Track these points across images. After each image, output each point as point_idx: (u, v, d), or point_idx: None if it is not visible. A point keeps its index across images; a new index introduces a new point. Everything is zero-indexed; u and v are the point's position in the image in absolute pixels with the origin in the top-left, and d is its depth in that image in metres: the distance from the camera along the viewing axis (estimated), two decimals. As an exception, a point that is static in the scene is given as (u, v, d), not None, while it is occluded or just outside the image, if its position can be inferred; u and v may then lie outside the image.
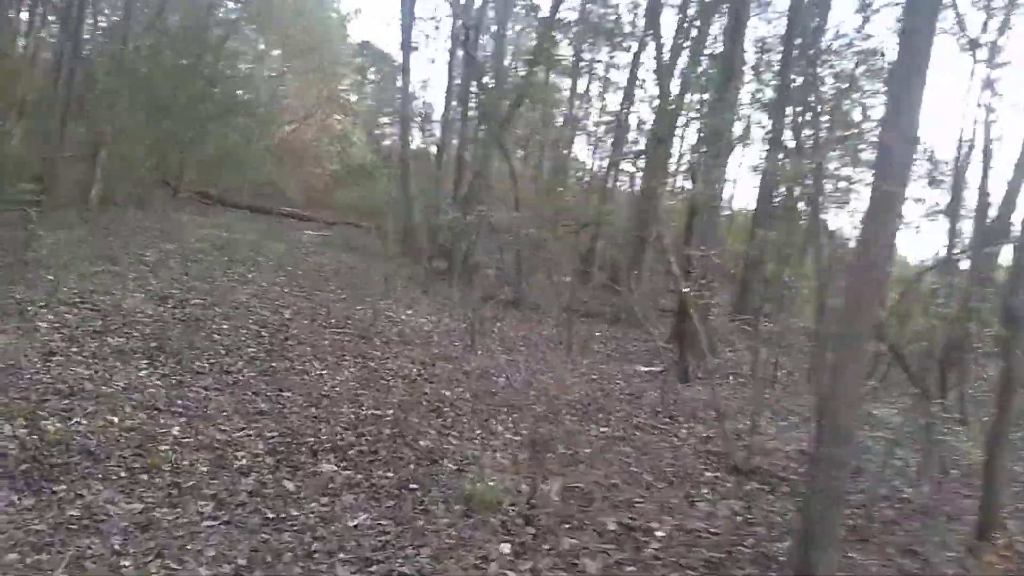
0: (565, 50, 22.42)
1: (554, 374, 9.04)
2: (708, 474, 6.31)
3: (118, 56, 19.45)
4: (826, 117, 10.81)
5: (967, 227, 13.37)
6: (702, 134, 16.80)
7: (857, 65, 11.74)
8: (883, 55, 11.19)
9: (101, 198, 19.08)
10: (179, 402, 5.68)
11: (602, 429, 7.05)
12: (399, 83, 22.31)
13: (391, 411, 6.26)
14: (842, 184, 17.69)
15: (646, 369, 11.32)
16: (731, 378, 11.67)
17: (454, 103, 25.32)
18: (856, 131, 16.33)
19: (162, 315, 8.18)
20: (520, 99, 17.39)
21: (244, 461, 4.80)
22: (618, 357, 12.06)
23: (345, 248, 20.07)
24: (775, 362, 11.54)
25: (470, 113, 19.37)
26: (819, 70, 10.44)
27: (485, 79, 14.26)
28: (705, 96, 17.41)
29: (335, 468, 4.87)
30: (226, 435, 5.18)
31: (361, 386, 6.95)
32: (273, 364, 7.10)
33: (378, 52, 41.19)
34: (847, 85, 11.61)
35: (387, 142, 43.06)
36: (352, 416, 5.98)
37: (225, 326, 8.20)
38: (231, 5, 28.58)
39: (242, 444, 5.07)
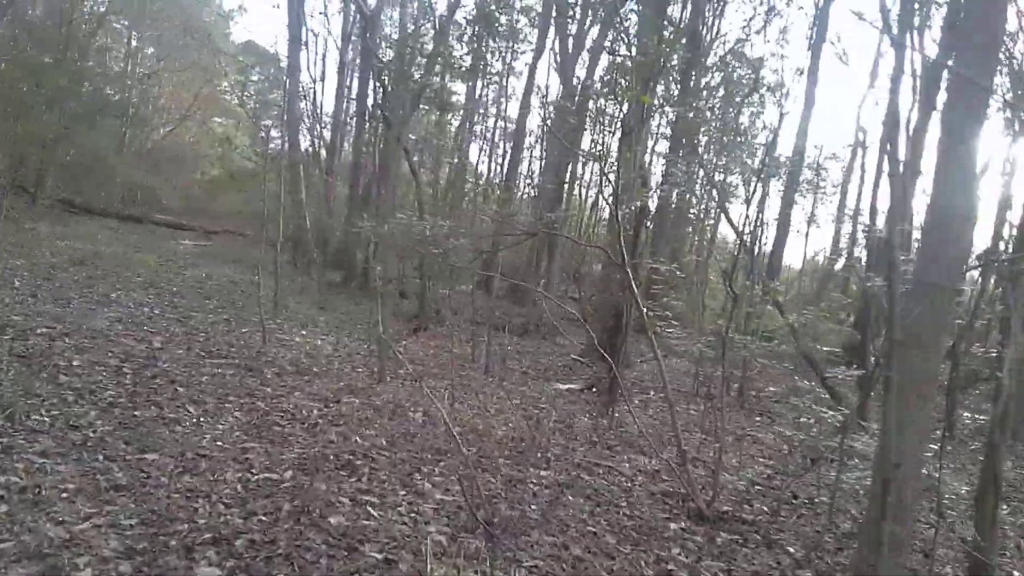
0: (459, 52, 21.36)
1: (476, 403, 7.85)
2: (672, 526, 5.29)
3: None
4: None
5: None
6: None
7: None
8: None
9: (-60, 206, 16.54)
10: (-1, 479, 4.14)
11: (542, 473, 5.91)
12: (287, 83, 20.55)
13: (289, 472, 4.88)
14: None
15: (566, 387, 10.31)
16: (651, 393, 10.84)
17: (345, 104, 23.83)
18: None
19: (-7, 351, 6.47)
20: (418, 100, 16.12)
21: (87, 573, 3.37)
22: (535, 375, 10.98)
23: (227, 259, 18.20)
24: (698, 376, 10.78)
25: (367, 114, 17.88)
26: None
27: (384, 77, 12.86)
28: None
29: (218, 573, 3.51)
30: (64, 529, 3.71)
31: (249, 436, 5.52)
32: (136, 413, 5.56)
33: (263, 52, 38.89)
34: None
35: (272, 145, 40.74)
36: (239, 484, 4.57)
37: (77, 362, 6.56)
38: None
39: (87, 543, 3.61)
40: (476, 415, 7.22)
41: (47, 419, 5.14)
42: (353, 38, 21.15)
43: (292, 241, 20.34)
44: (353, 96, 21.91)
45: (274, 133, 40.22)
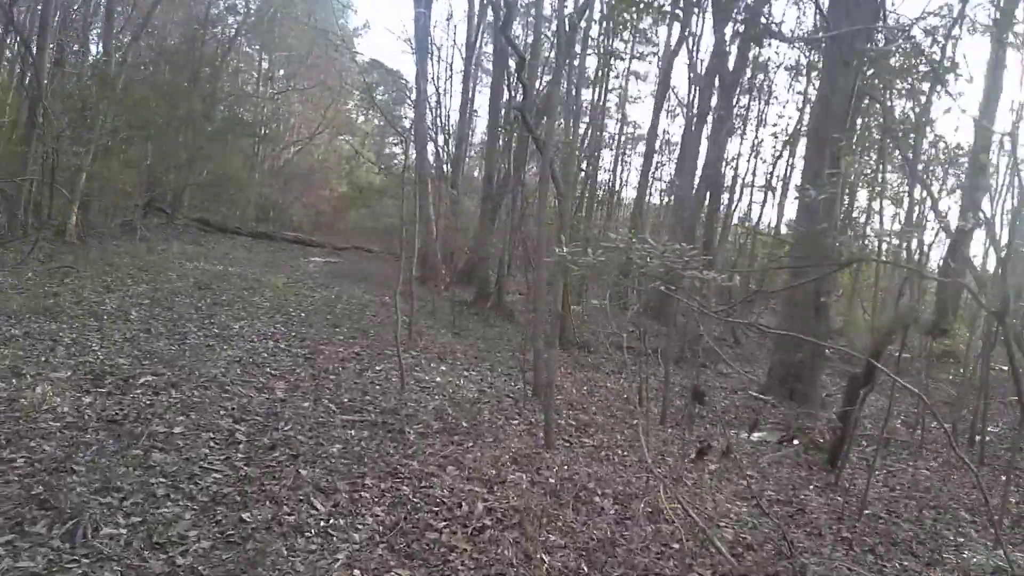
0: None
1: (668, 473, 5.89)
2: None
3: (99, 69, 16.36)
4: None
5: None
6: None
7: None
8: None
9: (80, 229, 16.04)
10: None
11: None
12: (412, 98, 19.27)
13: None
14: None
15: (756, 437, 8.16)
16: (864, 444, 8.51)
17: (469, 115, 22.41)
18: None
19: (81, 415, 5.01)
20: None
21: None
22: (711, 418, 8.89)
23: (356, 278, 16.91)
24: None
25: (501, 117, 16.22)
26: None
27: (523, 74, 11.10)
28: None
29: None
30: None
31: (396, 555, 3.78)
32: (246, 515, 3.94)
33: (387, 69, 38.30)
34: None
35: (395, 162, 40.21)
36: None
37: (179, 428, 5.04)
38: (230, 20, 25.41)
39: None
40: (687, 499, 5.26)
41: (123, 531, 3.56)
42: (483, 45, 19.65)
43: (420, 257, 19.01)
44: (475, 108, 20.43)
45: (397, 149, 39.62)
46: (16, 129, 16.13)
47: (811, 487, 6.26)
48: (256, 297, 11.48)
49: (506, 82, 15.23)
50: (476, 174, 33.52)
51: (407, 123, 42.58)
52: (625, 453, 6.33)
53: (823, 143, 9.89)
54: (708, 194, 16.53)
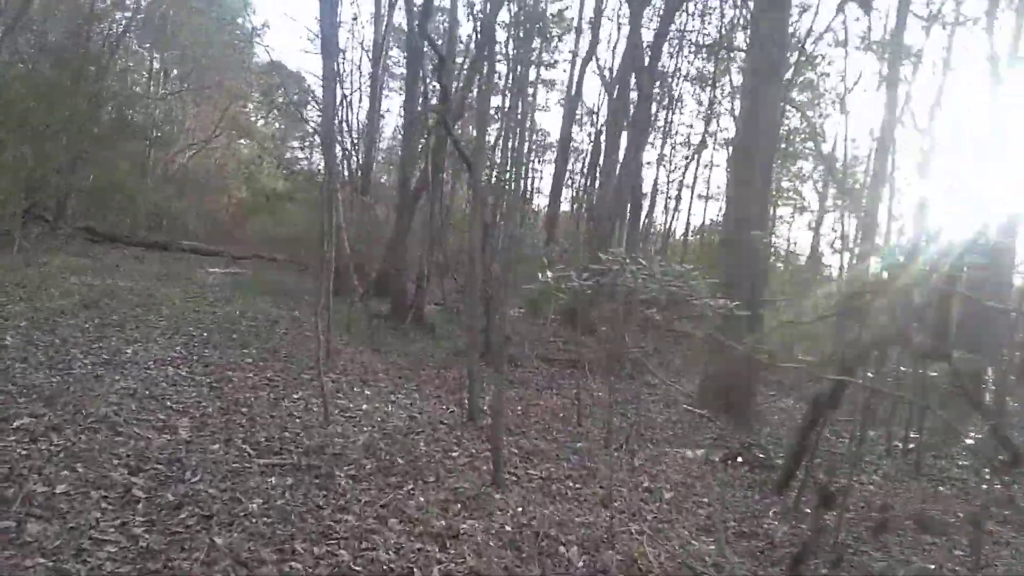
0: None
1: (625, 507, 5.35)
2: None
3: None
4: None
5: None
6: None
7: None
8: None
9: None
10: None
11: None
12: (319, 99, 18.18)
13: None
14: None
15: (699, 454, 7.77)
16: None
17: (377, 120, 21.48)
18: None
19: (-70, 478, 4.04)
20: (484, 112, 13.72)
21: None
22: (649, 435, 8.45)
23: (262, 289, 15.75)
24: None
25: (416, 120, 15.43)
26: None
27: (440, 75, 10.42)
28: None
29: None
30: None
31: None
32: (147, 607, 3.13)
33: (287, 71, 36.73)
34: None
35: (298, 166, 38.52)
36: None
37: (63, 486, 4.11)
38: (118, 16, 23.50)
39: None
40: (647, 535, 4.72)
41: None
42: (389, 48, 18.80)
43: (334, 269, 17.97)
44: (383, 112, 19.55)
45: (300, 153, 38.05)
46: None
47: (771, 513, 5.86)
48: (151, 315, 10.31)
49: (422, 84, 14.48)
50: (383, 179, 32.50)
51: (311, 127, 41.01)
52: (578, 485, 5.75)
53: (751, 154, 9.71)
54: (628, 203, 16.27)
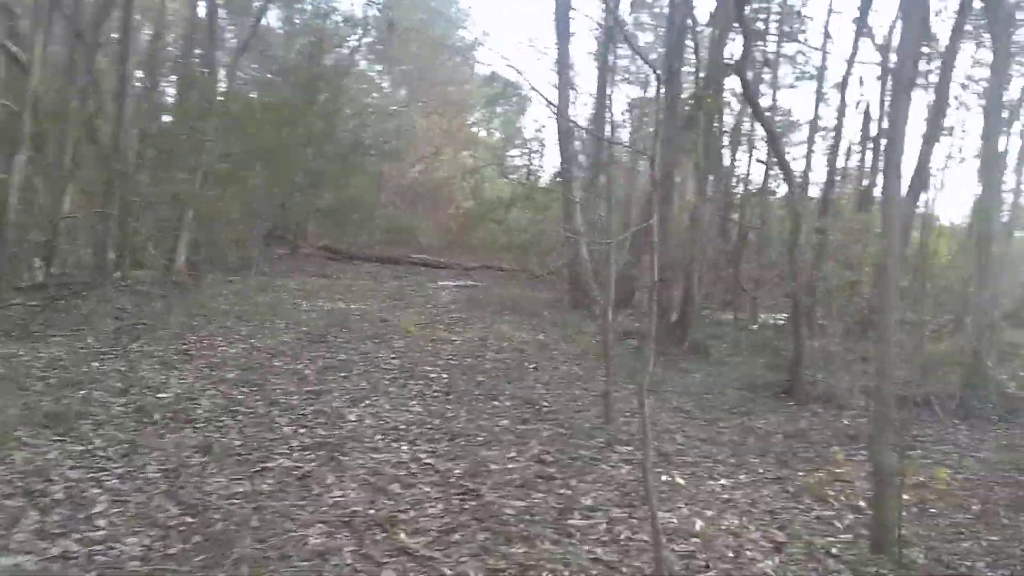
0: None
1: None
2: None
3: (201, 84, 13.72)
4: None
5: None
6: None
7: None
8: None
9: (191, 265, 13.43)
10: None
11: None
12: (558, 91, 15.65)
13: None
14: None
15: None
16: None
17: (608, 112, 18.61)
18: None
19: None
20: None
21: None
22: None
23: (498, 306, 13.45)
24: None
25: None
26: None
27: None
28: None
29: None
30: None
31: None
32: None
33: (507, 82, 35.07)
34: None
35: (513, 176, 36.85)
36: None
37: None
38: (349, 36, 22.68)
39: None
40: None
41: None
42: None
43: (569, 279, 15.40)
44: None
45: (518, 161, 36.24)
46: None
47: None
48: (382, 351, 8.17)
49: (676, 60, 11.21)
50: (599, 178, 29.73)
51: (527, 134, 39.21)
52: None
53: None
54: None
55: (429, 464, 4.63)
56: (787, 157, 8.23)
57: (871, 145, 16.02)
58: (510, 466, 4.75)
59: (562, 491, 4.42)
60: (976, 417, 7.75)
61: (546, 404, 6.50)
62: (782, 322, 12.99)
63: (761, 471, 5.57)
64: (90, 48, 9.89)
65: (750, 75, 7.59)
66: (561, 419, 6.03)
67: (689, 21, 10.97)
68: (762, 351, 11.18)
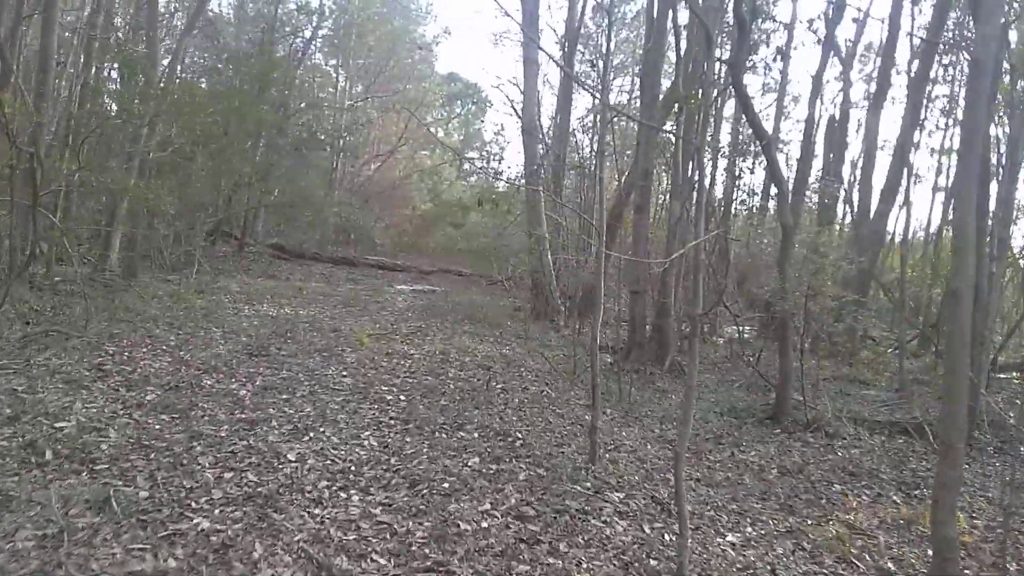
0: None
1: None
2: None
3: (140, 64, 12.41)
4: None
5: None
6: None
7: None
8: None
9: (126, 263, 12.17)
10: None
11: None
12: (524, 91, 14.76)
13: None
14: None
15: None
16: None
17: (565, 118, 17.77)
18: None
19: None
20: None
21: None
22: None
23: (458, 314, 12.55)
24: None
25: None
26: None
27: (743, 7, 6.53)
28: None
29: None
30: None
31: None
32: None
33: (466, 81, 34.19)
34: None
35: (472, 178, 35.99)
36: None
37: None
38: (304, 21, 21.42)
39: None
40: None
41: None
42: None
43: (532, 285, 14.54)
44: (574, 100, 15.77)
45: (478, 163, 35.33)
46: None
47: None
48: (332, 367, 7.17)
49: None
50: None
51: (487, 136, 38.30)
52: None
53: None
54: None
55: (384, 524, 3.70)
56: (779, 164, 7.47)
57: (832, 157, 15.64)
58: (484, 524, 3.85)
59: (550, 560, 3.54)
60: (974, 448, 7.15)
61: (519, 436, 5.60)
62: (747, 336, 12.38)
63: (767, 520, 4.80)
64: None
65: (744, 72, 6.78)
66: (539, 455, 5.15)
67: (669, 20, 10.22)
68: (733, 369, 10.55)
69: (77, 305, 8.25)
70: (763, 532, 4.57)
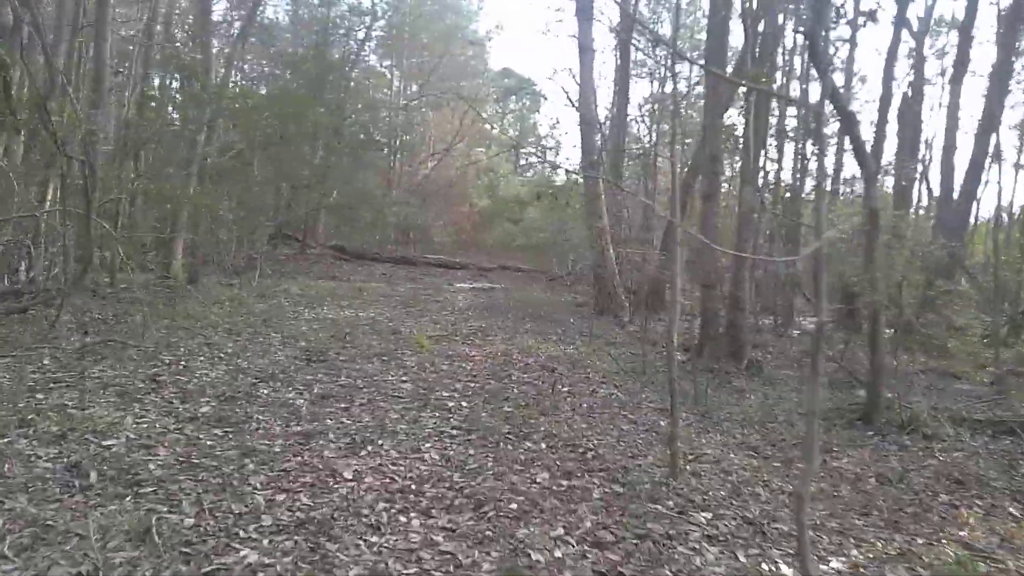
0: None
1: None
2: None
3: (198, 78, 12.41)
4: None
5: None
6: None
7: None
8: None
9: (188, 269, 12.20)
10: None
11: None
12: (579, 81, 14.23)
13: None
14: None
15: None
16: None
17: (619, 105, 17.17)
18: None
19: None
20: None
21: None
22: None
23: (518, 312, 12.14)
24: None
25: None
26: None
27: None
28: None
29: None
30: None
31: None
32: None
33: (519, 77, 33.63)
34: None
35: (529, 173, 35.49)
36: None
37: None
38: (356, 24, 21.35)
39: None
40: None
41: None
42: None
43: (595, 281, 14.03)
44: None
45: (534, 159, 34.94)
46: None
47: None
48: (391, 373, 6.86)
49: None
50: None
51: (542, 131, 37.74)
52: None
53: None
54: None
55: (448, 554, 3.31)
56: (863, 143, 6.81)
57: (906, 136, 14.60)
58: (557, 553, 3.42)
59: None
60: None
61: (591, 446, 5.15)
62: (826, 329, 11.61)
63: (872, 540, 4.22)
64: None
65: (823, 38, 6.14)
66: (612, 469, 4.69)
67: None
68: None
69: (138, 313, 8.18)
70: (871, 555, 4.00)
